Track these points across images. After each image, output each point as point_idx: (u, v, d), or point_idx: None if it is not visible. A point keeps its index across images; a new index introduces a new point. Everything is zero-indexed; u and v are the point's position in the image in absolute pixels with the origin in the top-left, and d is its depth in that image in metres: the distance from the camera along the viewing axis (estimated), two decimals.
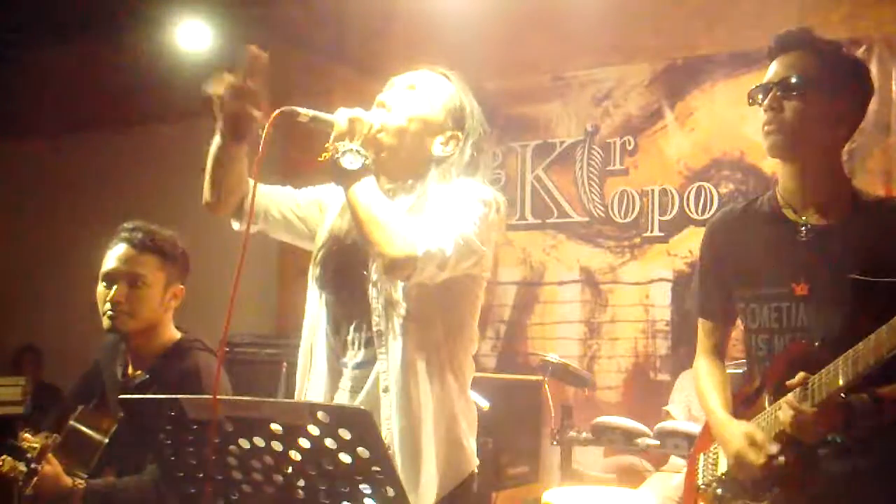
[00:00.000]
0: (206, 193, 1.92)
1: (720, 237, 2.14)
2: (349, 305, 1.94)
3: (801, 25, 2.00)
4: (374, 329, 1.86)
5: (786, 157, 1.97)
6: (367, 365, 1.90)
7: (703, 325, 2.22)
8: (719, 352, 2.20)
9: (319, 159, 1.82)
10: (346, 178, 1.78)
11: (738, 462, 1.92)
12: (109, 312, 2.47)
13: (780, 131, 1.92)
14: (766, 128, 1.94)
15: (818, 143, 1.94)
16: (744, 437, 1.89)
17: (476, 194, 1.87)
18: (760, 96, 1.97)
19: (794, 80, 1.91)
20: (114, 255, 2.50)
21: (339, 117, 1.81)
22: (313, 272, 1.99)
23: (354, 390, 1.91)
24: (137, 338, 2.54)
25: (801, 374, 1.80)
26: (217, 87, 1.75)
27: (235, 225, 2.02)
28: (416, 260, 1.70)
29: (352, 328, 1.93)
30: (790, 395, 1.81)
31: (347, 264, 1.92)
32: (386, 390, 1.85)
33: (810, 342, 1.89)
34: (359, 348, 1.91)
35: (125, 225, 2.55)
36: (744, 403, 2.04)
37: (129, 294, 2.47)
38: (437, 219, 1.79)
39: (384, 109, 1.93)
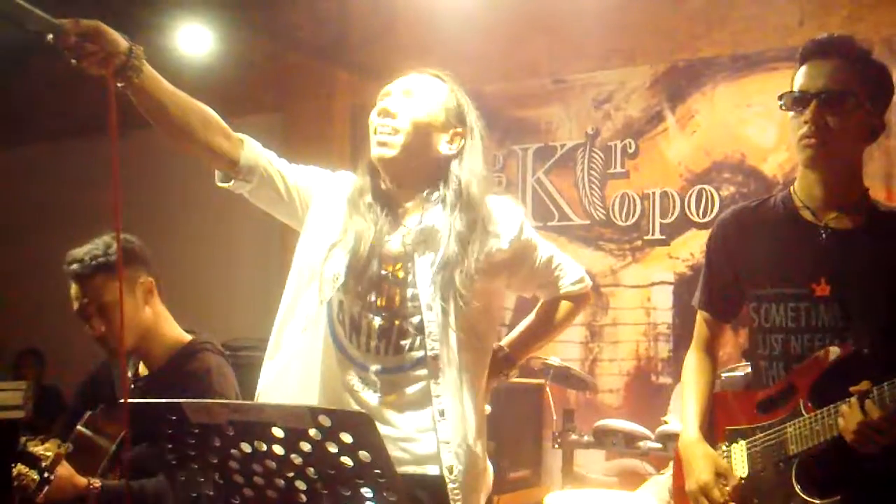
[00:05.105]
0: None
1: (732, 234, 2.09)
2: (370, 311, 1.92)
3: (840, 33, 1.96)
4: (430, 353, 1.89)
5: (821, 168, 1.94)
6: (395, 371, 1.91)
7: (702, 318, 2.20)
8: (712, 347, 2.19)
9: None
10: None
11: (700, 491, 1.94)
12: (104, 347, 2.54)
13: (822, 145, 1.88)
14: (805, 140, 1.89)
15: (852, 153, 1.94)
16: (712, 469, 1.94)
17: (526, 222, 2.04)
18: (791, 102, 1.92)
19: (836, 93, 1.87)
20: (73, 296, 2.52)
21: None
22: (332, 275, 1.93)
23: (386, 392, 1.91)
24: (141, 344, 2.55)
25: (865, 382, 1.73)
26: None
27: (221, 182, 1.96)
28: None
29: (374, 333, 1.92)
30: (855, 401, 1.73)
31: (376, 272, 1.92)
32: (442, 414, 1.89)
33: (857, 347, 1.85)
34: (385, 354, 1.91)
35: (66, 259, 2.52)
36: (764, 407, 1.98)
37: (107, 321, 2.49)
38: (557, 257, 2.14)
39: (390, 118, 1.95)
